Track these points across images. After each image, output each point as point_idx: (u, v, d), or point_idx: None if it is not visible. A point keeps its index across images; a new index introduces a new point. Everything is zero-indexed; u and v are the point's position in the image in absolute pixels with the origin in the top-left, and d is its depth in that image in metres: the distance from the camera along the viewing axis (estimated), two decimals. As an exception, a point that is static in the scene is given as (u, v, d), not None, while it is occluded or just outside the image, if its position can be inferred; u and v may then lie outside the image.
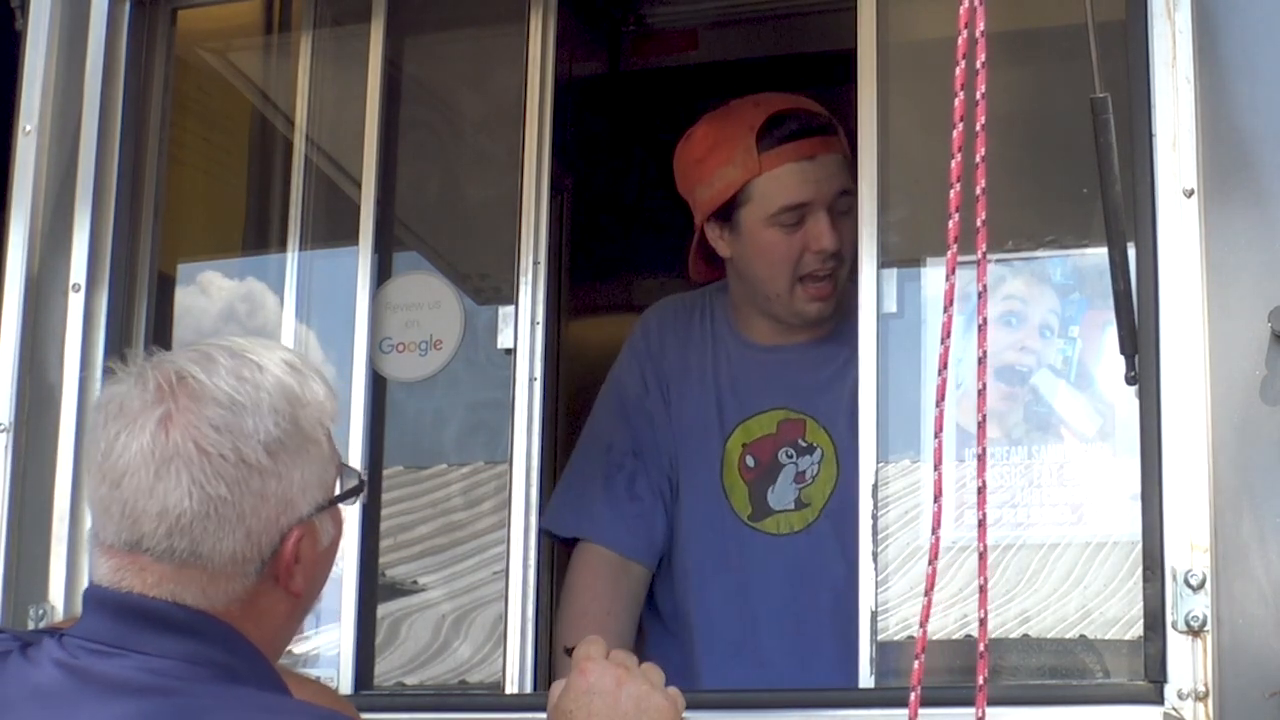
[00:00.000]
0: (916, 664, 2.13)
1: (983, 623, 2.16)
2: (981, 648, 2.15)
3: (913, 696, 2.15)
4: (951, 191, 2.13)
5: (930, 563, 2.15)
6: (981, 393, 2.17)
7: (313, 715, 2.12)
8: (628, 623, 3.39)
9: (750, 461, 3.38)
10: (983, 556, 2.16)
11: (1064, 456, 2.80)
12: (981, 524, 2.16)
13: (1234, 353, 2.54)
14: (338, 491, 2.17)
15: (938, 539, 2.15)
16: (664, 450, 3.45)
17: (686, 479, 3.44)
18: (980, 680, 2.15)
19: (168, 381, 2.07)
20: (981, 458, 2.16)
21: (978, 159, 2.13)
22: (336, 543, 2.20)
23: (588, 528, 3.42)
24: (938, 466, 2.17)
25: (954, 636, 2.72)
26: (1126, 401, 2.65)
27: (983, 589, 2.16)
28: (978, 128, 2.12)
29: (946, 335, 2.14)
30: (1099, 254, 2.61)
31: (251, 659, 2.08)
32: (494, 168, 3.46)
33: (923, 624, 2.14)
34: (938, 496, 2.17)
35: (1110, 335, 2.64)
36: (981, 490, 2.16)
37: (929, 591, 2.15)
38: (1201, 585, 2.46)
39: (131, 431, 2.06)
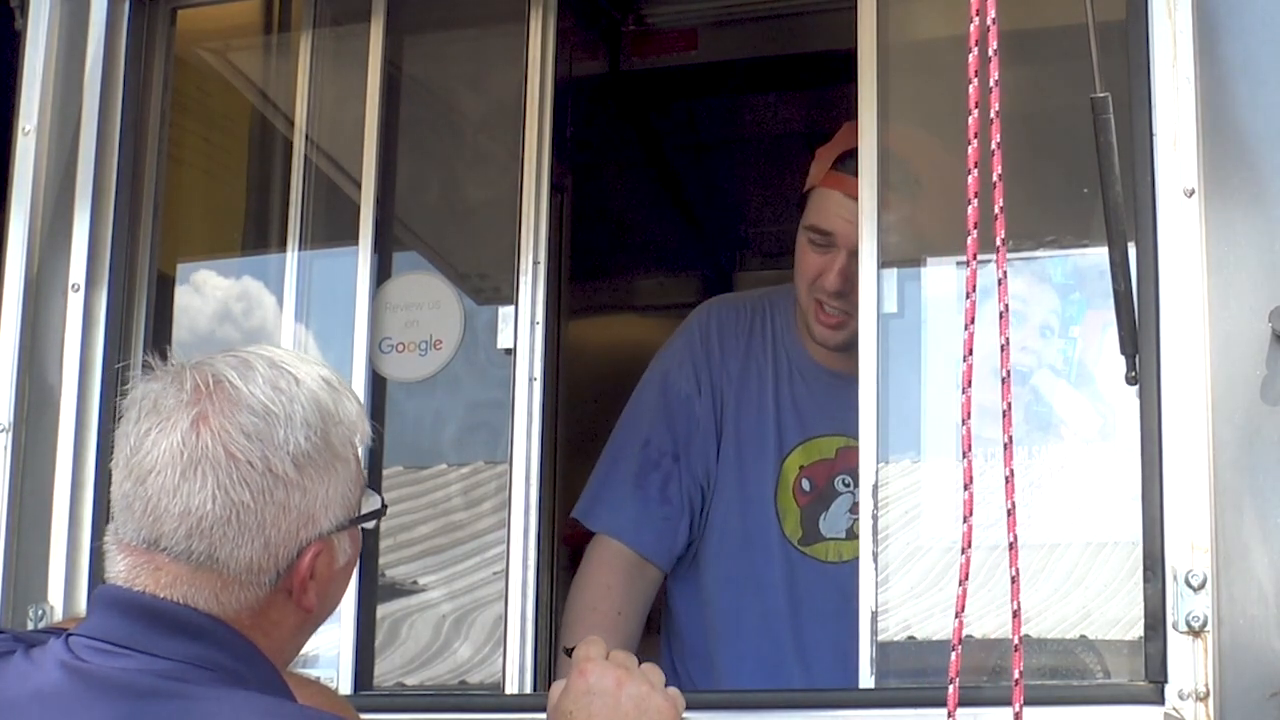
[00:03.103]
0: (954, 655, 2.13)
1: (1016, 615, 2.16)
2: (1016, 640, 2.15)
3: (951, 689, 2.14)
4: (970, 178, 2.13)
5: (963, 551, 2.14)
6: (1006, 380, 2.17)
7: (313, 719, 2.12)
8: (636, 623, 3.38)
9: (806, 485, 3.38)
10: (1013, 547, 2.16)
11: (1064, 456, 2.80)
12: (1011, 513, 2.16)
13: (1234, 353, 2.53)
14: (360, 512, 2.17)
15: (970, 526, 2.15)
16: (703, 456, 3.43)
17: (734, 493, 3.41)
18: (1016, 674, 2.14)
19: (205, 383, 2.08)
20: (1008, 446, 2.16)
21: (993, 145, 2.13)
22: (353, 563, 2.20)
23: (614, 524, 3.41)
24: (967, 453, 2.17)
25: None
26: (1126, 401, 2.65)
27: (1014, 579, 2.16)
28: (992, 114, 2.12)
29: (971, 321, 2.14)
30: (1099, 254, 2.61)
31: (258, 666, 2.08)
32: (494, 168, 3.46)
33: (959, 614, 2.13)
34: (968, 484, 2.17)
35: (1110, 335, 2.64)
36: (1010, 479, 2.16)
37: (963, 580, 2.15)
38: (1202, 585, 2.46)
39: (163, 429, 2.06)
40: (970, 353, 2.15)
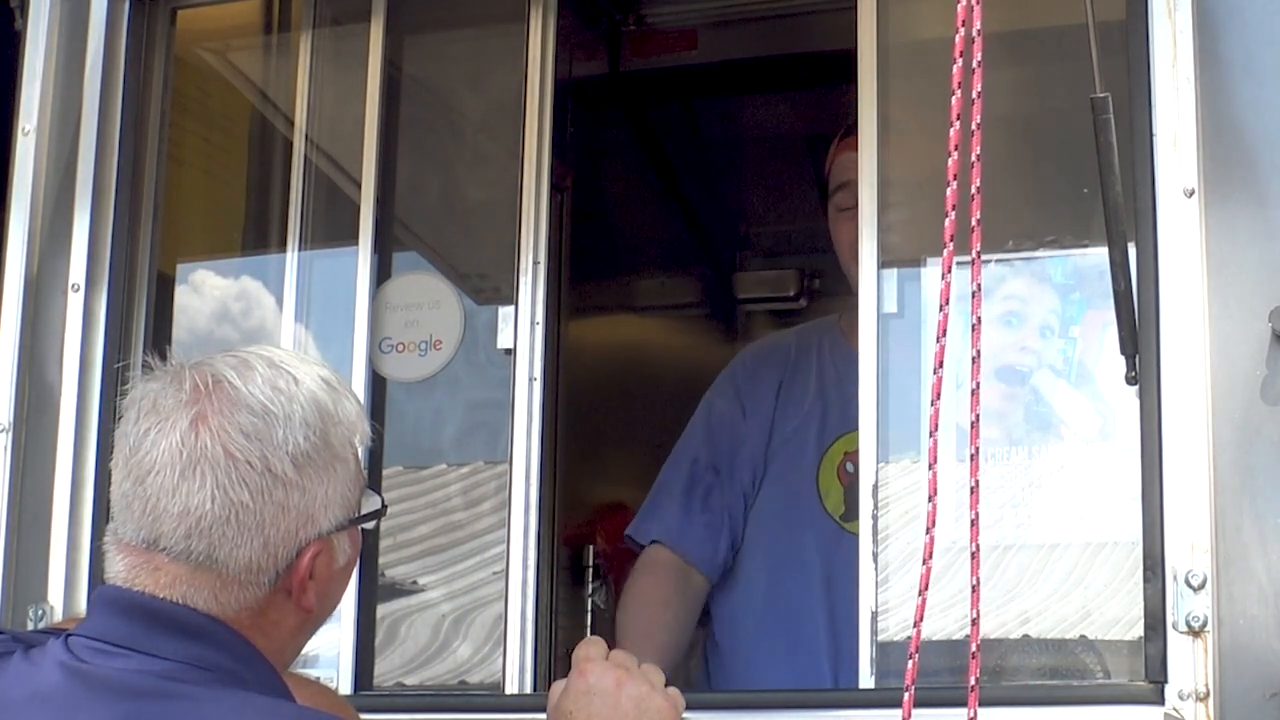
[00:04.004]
0: (910, 663, 2.13)
1: (975, 623, 2.15)
2: (974, 647, 2.15)
3: (906, 696, 2.14)
4: (949, 190, 2.13)
5: (924, 562, 2.14)
6: (975, 392, 2.17)
7: (313, 719, 2.12)
8: (686, 621, 3.49)
9: (850, 467, 3.41)
10: (975, 556, 2.16)
11: (1064, 456, 2.80)
12: (974, 524, 2.15)
13: (1234, 353, 2.54)
14: (360, 513, 2.17)
15: (932, 538, 2.15)
16: (750, 467, 3.53)
17: (775, 479, 3.51)
18: (972, 681, 2.14)
19: (204, 383, 2.08)
20: (974, 457, 2.16)
21: (974, 157, 2.13)
22: (353, 563, 2.20)
23: (660, 529, 3.54)
24: (933, 465, 2.17)
25: (954, 636, 2.72)
26: (1126, 401, 2.65)
27: (975, 589, 2.16)
28: (974, 126, 2.12)
29: (942, 334, 2.14)
30: (1099, 254, 2.61)
31: (258, 666, 2.08)
32: (494, 168, 3.46)
33: (917, 623, 2.13)
34: (933, 495, 2.17)
35: (1110, 335, 2.64)
36: (974, 490, 2.16)
37: (923, 591, 2.14)
38: (1202, 586, 2.46)
39: (162, 429, 2.06)
40: (940, 365, 2.15)
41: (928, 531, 2.15)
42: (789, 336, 3.76)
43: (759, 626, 3.45)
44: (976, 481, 2.16)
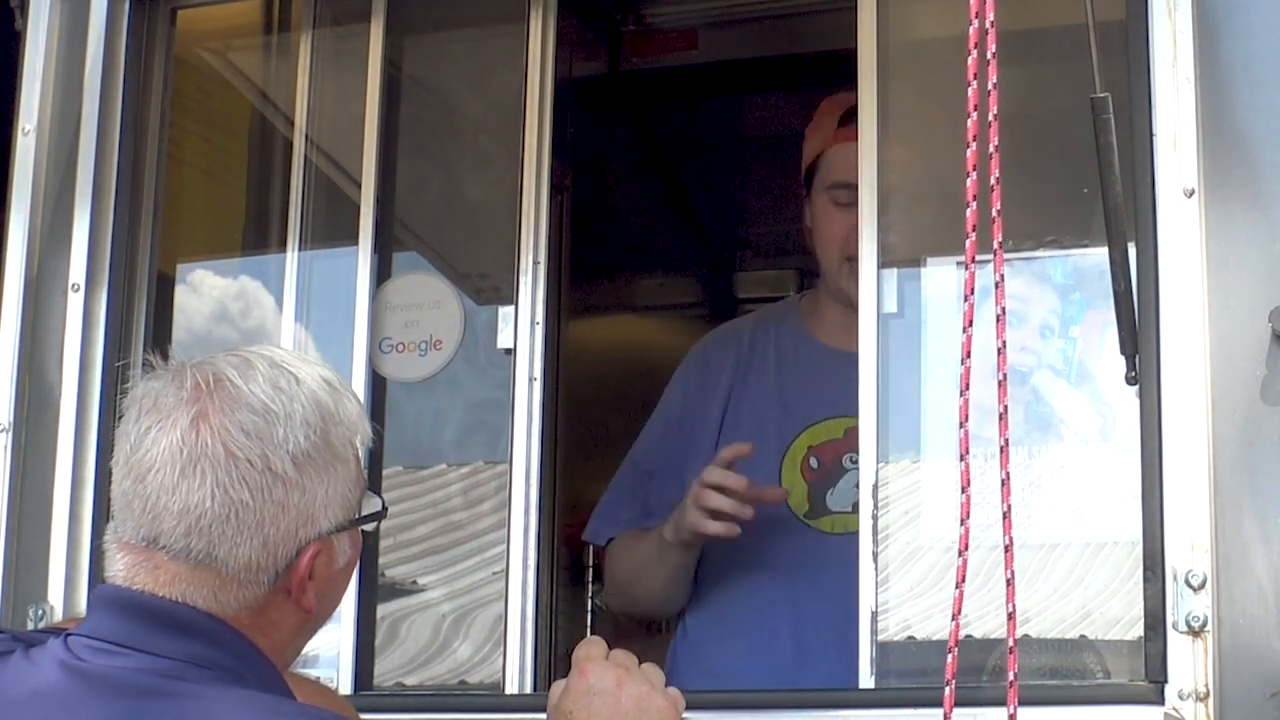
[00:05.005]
0: (950, 657, 2.13)
1: (1011, 617, 2.16)
2: (1011, 642, 2.15)
3: (947, 691, 2.14)
4: (968, 180, 2.13)
5: (960, 554, 2.14)
6: (1002, 384, 2.17)
7: (313, 717, 2.12)
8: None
9: (814, 463, 3.39)
10: (1009, 550, 2.16)
11: (1064, 456, 2.80)
12: (1006, 516, 2.16)
13: (1234, 353, 2.54)
14: (360, 514, 2.17)
15: (967, 529, 2.15)
16: (688, 464, 3.45)
17: None
18: (1011, 676, 2.14)
19: (205, 381, 2.08)
20: (1005, 449, 2.16)
21: (992, 148, 2.13)
22: (353, 564, 2.20)
23: (612, 530, 3.52)
24: (964, 456, 2.17)
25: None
26: (1126, 401, 2.65)
27: (1010, 582, 2.16)
28: (991, 117, 2.12)
29: (969, 324, 2.14)
30: (1099, 254, 2.61)
31: (258, 665, 2.08)
32: (494, 168, 3.46)
33: (955, 616, 2.13)
34: (965, 487, 2.17)
35: (1110, 335, 2.64)
36: (1005, 482, 2.16)
37: (960, 583, 2.15)
38: (1202, 585, 2.46)
39: (163, 427, 2.07)
40: (968, 355, 2.15)
41: (962, 523, 2.15)
42: (745, 326, 3.65)
43: (723, 622, 3.42)
44: (1008, 474, 2.17)
